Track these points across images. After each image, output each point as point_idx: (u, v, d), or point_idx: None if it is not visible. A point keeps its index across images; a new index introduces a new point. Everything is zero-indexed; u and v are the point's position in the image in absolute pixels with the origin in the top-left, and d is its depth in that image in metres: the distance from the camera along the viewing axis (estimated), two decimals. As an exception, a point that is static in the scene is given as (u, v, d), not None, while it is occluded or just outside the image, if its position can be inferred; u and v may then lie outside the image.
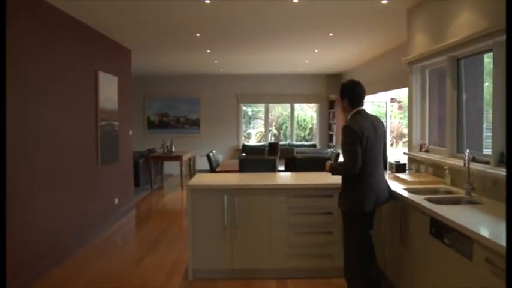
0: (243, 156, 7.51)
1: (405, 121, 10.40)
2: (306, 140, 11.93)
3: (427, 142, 4.33)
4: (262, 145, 10.65)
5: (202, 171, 9.58)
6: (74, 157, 4.86)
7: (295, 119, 11.93)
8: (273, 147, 7.86)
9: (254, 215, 3.86)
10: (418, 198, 2.99)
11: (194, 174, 9.04)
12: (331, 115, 11.13)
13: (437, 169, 3.84)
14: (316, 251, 3.89)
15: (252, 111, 12.42)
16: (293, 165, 5.61)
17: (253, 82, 11.24)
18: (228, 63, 9.02)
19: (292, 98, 11.52)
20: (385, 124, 3.74)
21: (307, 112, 12.41)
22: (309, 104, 12.07)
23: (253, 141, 12.17)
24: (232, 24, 5.37)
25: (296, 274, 3.88)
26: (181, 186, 9.01)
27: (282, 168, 6.44)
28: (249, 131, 12.39)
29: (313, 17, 4.98)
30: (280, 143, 10.00)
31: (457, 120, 3.69)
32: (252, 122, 12.54)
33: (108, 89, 5.93)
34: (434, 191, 3.41)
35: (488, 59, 3.41)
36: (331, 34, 5.92)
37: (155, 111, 11.42)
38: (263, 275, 3.88)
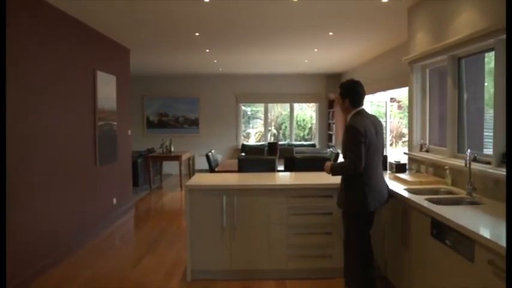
0: (242, 156, 7.48)
1: (404, 121, 10.39)
2: (306, 140, 11.91)
3: (427, 142, 4.31)
4: (261, 145, 10.62)
5: (201, 170, 9.57)
6: (73, 157, 4.84)
7: (295, 119, 11.91)
8: (272, 147, 7.84)
9: (253, 215, 3.83)
10: (419, 199, 2.97)
11: (193, 174, 9.02)
12: (330, 115, 11.11)
13: (437, 169, 3.82)
14: (315, 251, 3.87)
15: (251, 110, 12.40)
16: (292, 165, 5.58)
17: (252, 82, 11.22)
18: (227, 63, 8.99)
19: (292, 98, 11.49)
20: (384, 124, 3.72)
21: (307, 112, 12.39)
22: (308, 104, 12.05)
23: (252, 141, 12.15)
24: (231, 23, 5.34)
25: (295, 275, 3.85)
26: (180, 186, 8.99)
27: (281, 168, 6.41)
28: (248, 130, 12.36)
29: (313, 16, 4.95)
30: (280, 142, 9.98)
31: (458, 120, 3.66)
32: (251, 122, 12.52)
33: (107, 88, 5.89)
34: (435, 192, 3.39)
35: (487, 59, 3.39)
36: (330, 33, 5.89)
37: (154, 110, 11.39)
38: (262, 276, 3.85)
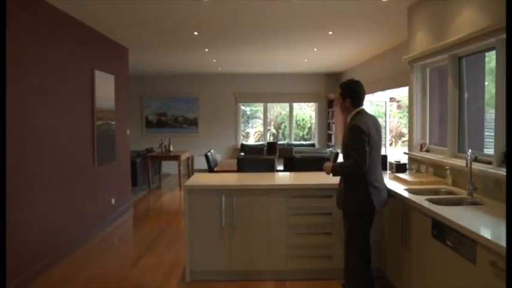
0: (241, 155, 7.48)
1: (404, 120, 10.39)
2: (305, 140, 11.89)
3: (427, 142, 4.29)
4: (260, 145, 10.58)
5: (200, 170, 9.55)
6: (72, 157, 4.83)
7: (294, 119, 11.89)
8: (271, 146, 7.82)
9: (252, 215, 3.81)
10: (419, 199, 2.95)
11: (192, 173, 9.00)
12: (330, 114, 11.09)
13: (438, 169, 3.80)
14: (315, 252, 3.85)
15: (251, 110, 12.37)
16: (292, 165, 5.57)
17: (251, 81, 11.20)
18: (226, 62, 8.97)
19: (291, 97, 11.47)
20: (384, 123, 3.71)
21: (306, 111, 12.37)
22: (307, 104, 12.03)
23: (251, 141, 12.12)
24: (230, 22, 5.32)
25: (295, 276, 3.84)
26: (179, 186, 8.97)
27: (280, 168, 6.40)
28: (248, 130, 12.34)
29: (313, 16, 4.94)
30: (279, 142, 9.97)
31: (459, 120, 3.65)
32: (250, 122, 12.49)
33: (105, 87, 5.87)
34: (436, 192, 3.37)
35: (488, 58, 3.38)
36: (330, 33, 5.87)
37: (153, 110, 11.36)
38: (261, 276, 3.83)
